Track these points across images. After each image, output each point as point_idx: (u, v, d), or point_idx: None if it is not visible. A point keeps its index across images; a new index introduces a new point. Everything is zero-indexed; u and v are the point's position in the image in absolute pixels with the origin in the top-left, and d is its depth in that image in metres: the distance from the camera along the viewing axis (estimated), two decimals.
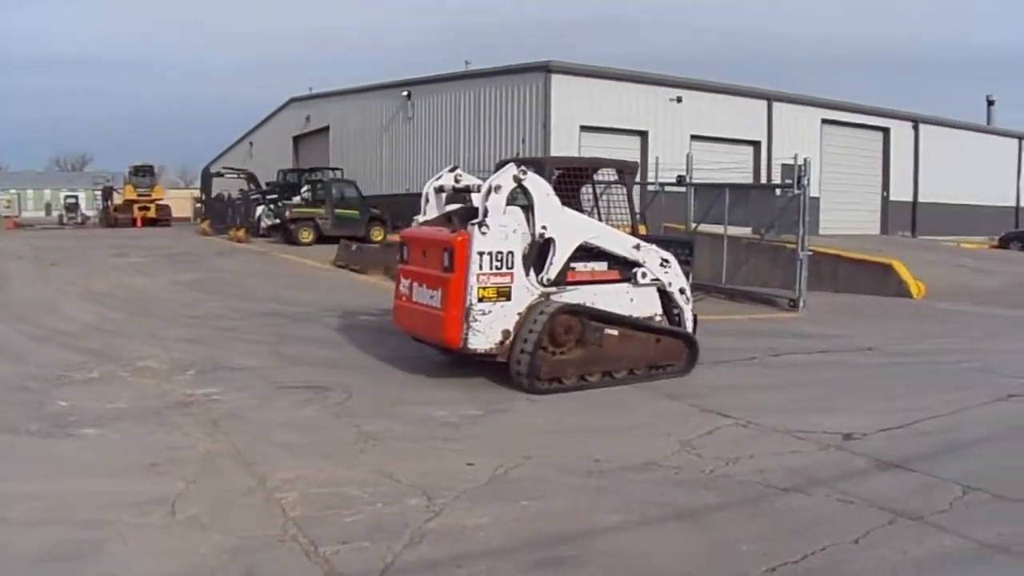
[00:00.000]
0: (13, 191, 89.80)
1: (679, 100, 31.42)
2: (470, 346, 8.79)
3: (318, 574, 4.67)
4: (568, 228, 9.19)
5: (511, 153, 30.62)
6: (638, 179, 27.62)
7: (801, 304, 17.00)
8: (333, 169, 40.49)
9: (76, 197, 67.19)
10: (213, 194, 45.94)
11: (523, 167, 8.97)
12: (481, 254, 8.69)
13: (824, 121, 35.60)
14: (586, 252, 9.41)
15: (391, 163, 40.64)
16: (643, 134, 31.04)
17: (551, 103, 29.48)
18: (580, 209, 9.85)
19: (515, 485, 6.14)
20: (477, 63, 36.10)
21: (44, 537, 5.08)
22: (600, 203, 10.50)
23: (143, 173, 55.33)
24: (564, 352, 8.99)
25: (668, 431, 7.65)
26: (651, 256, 9.86)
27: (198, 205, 53.57)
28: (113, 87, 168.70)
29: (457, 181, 10.10)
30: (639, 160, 30.23)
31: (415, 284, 9.54)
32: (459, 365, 9.71)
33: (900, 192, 39.04)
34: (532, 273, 9.02)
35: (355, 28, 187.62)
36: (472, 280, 8.69)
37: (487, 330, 8.76)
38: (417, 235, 9.97)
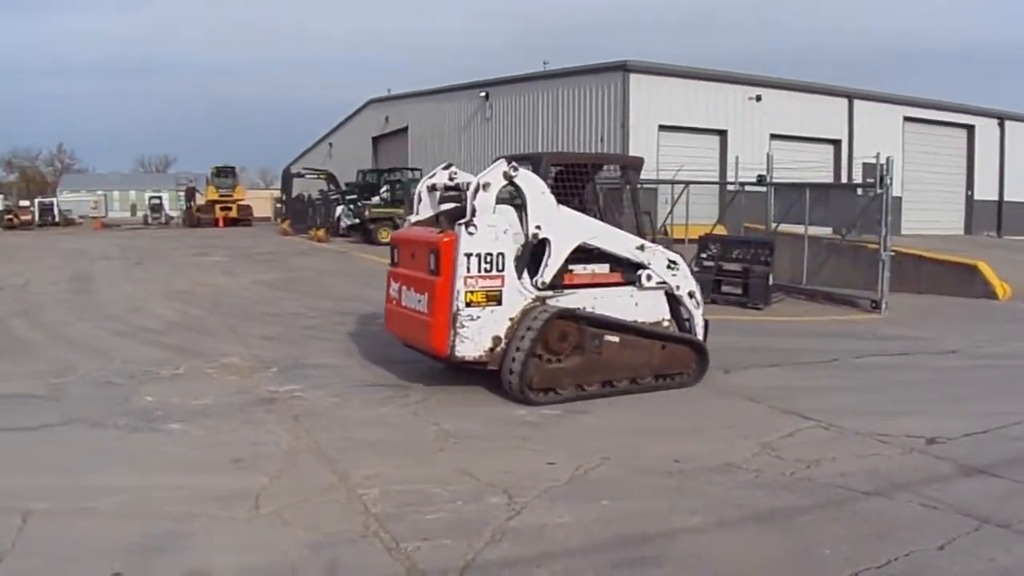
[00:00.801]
0: (100, 192, 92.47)
1: (758, 99, 31.03)
2: (457, 353, 8.35)
3: (399, 570, 4.74)
4: (565, 228, 8.70)
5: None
6: (719, 178, 27.55)
7: (883, 306, 16.62)
8: (412, 169, 40.82)
9: (160, 198, 69.03)
10: (293, 194, 46.79)
11: (514, 163, 8.53)
12: (469, 256, 8.26)
13: (906, 119, 34.71)
14: (586, 254, 8.96)
15: (469, 163, 40.58)
16: (722, 133, 30.78)
17: (629, 103, 29.36)
18: (582, 208, 9.20)
19: (595, 485, 6.15)
20: (555, 63, 36.15)
21: (131, 529, 5.25)
22: (608, 202, 9.88)
23: (225, 174, 56.69)
24: (560, 360, 8.54)
25: (747, 433, 7.58)
26: (657, 257, 9.36)
27: (278, 205, 54.53)
28: (195, 90, 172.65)
29: (451, 179, 9.47)
30: (718, 159, 30.06)
31: (404, 288, 9.17)
32: None
33: (985, 191, 37.75)
34: (526, 276, 8.58)
35: (433, 30, 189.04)
36: (459, 284, 8.25)
37: (476, 336, 8.33)
38: (406, 236, 9.62)
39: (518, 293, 8.51)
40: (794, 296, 18.34)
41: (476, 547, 5.01)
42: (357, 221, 35.57)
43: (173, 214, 66.14)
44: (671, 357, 9.24)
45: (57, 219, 63.14)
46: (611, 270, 9.19)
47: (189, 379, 9.41)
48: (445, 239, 8.40)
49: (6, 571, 4.67)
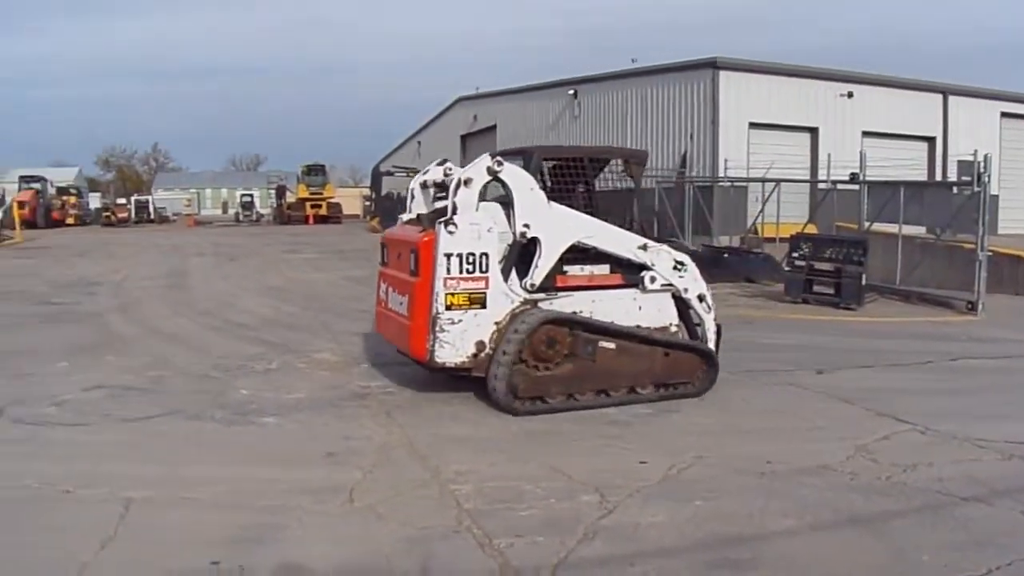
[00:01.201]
0: (193, 190, 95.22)
1: (850, 95, 30.44)
2: (437, 359, 7.93)
3: (492, 566, 4.76)
4: (556, 227, 8.21)
5: (679, 151, 30.48)
6: (810, 176, 27.07)
7: (979, 307, 16.08)
8: None
9: (251, 196, 70.63)
10: (383, 192, 47.36)
11: (499, 158, 8.10)
12: (449, 256, 7.82)
13: (1004, 115, 33.70)
14: (583, 254, 8.49)
15: None
16: (813, 131, 30.33)
17: (719, 100, 29.15)
18: (582, 205, 8.76)
19: (688, 485, 6.10)
20: (644, 60, 35.93)
21: (228, 519, 5.38)
22: (612, 199, 9.38)
23: (315, 172, 57.75)
24: (550, 368, 8.05)
25: (842, 435, 7.43)
26: (662, 258, 8.73)
27: (367, 203, 55.22)
28: (286, 90, 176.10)
29: (446, 175, 8.92)
30: (809, 157, 29.55)
31: (390, 289, 8.87)
32: None
33: None
34: (515, 278, 8.14)
35: (522, 28, 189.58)
36: (439, 285, 7.83)
37: (457, 341, 7.90)
38: (393, 236, 9.31)
39: (504, 296, 8.04)
40: (887, 297, 17.91)
41: (569, 545, 5.00)
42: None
43: (264, 212, 67.72)
44: (675, 365, 8.63)
45: (152, 216, 65.31)
46: (612, 271, 8.65)
47: (282, 374, 9.61)
48: (424, 238, 8.03)
49: (109, 557, 4.82)
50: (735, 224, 25.19)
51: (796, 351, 11.59)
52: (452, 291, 7.83)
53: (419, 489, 5.95)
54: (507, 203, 8.18)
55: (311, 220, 54.08)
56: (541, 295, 8.19)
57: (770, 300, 17.26)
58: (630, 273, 8.65)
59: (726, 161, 27.75)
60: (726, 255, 21.68)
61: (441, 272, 7.80)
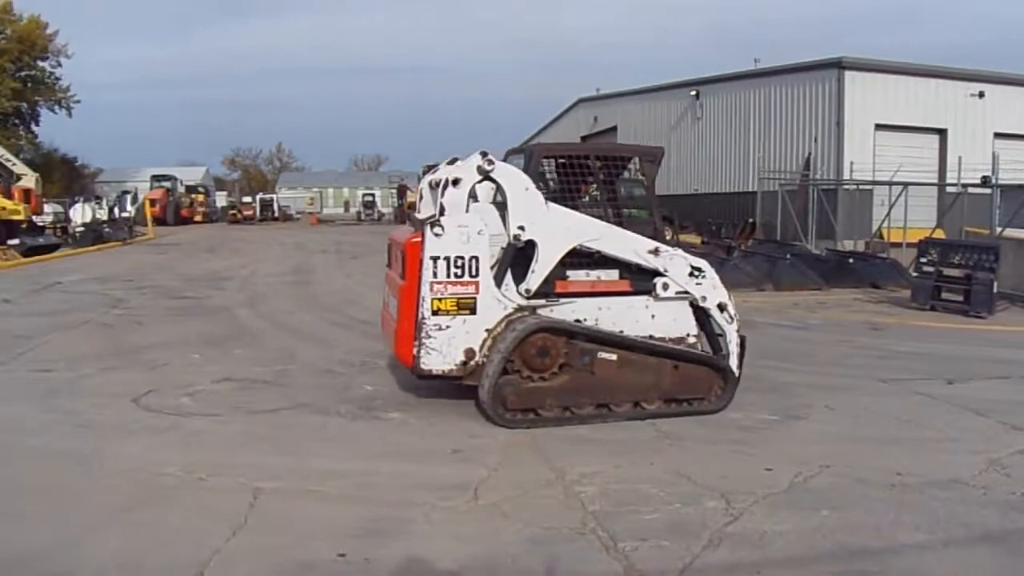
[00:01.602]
0: (316, 189, 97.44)
1: (981, 95, 29.48)
2: (422, 366, 7.59)
3: (618, 570, 4.76)
4: (555, 229, 7.73)
5: (802, 154, 29.89)
6: (939, 180, 26.20)
7: None
8: None
9: (373, 195, 71.96)
10: None
11: (490, 156, 7.70)
12: (436, 259, 7.47)
13: None
14: (587, 258, 7.98)
15: (679, 163, 40.71)
16: (941, 132, 29.60)
17: (844, 101, 28.72)
18: (598, 206, 8.32)
19: (814, 494, 5.98)
20: (766, 61, 35.49)
21: (355, 512, 5.53)
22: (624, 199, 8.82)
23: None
24: (544, 378, 7.65)
25: (974, 448, 7.17)
26: (676, 263, 8.09)
27: None
28: (408, 90, 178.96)
29: None
30: (937, 160, 28.62)
31: (388, 291, 8.69)
32: (756, 367, 9.47)
33: None
34: (511, 283, 7.72)
35: (643, 27, 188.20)
36: (425, 289, 7.50)
37: (445, 348, 7.56)
38: (393, 237, 8.99)
39: (496, 302, 7.64)
40: (1019, 305, 17.13)
41: (694, 550, 4.97)
42: None
43: (385, 211, 68.85)
44: (686, 380, 8.05)
45: (276, 214, 67.19)
46: (621, 277, 8.12)
47: (405, 370, 9.70)
48: (412, 240, 7.72)
49: (239, 544, 5.01)
50: (860, 228, 24.65)
51: (925, 360, 11.20)
52: (439, 296, 7.50)
53: (543, 489, 5.99)
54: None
55: None
56: (540, 301, 7.76)
57: (896, 307, 16.72)
58: (642, 279, 8.08)
59: (851, 163, 27.16)
60: (851, 260, 21.24)
61: (427, 276, 7.49)
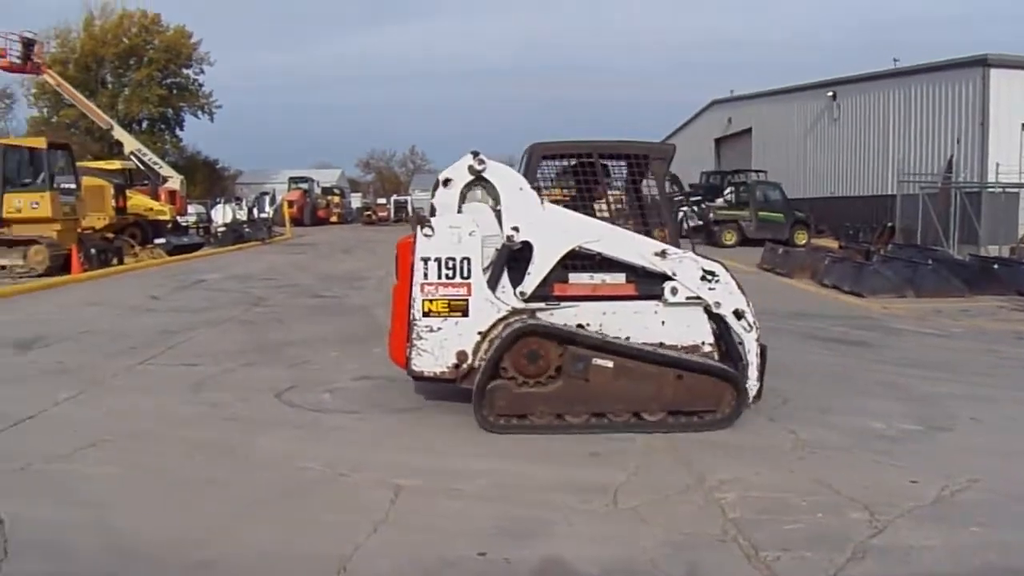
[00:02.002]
0: None
1: None
2: (414, 367, 7.57)
3: None
4: (551, 229, 7.54)
5: (944, 155, 28.90)
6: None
7: None
8: (756, 171, 40.45)
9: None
10: None
11: (481, 156, 7.56)
12: (426, 260, 7.43)
13: None
14: (589, 260, 7.72)
15: (816, 165, 39.99)
16: None
17: (989, 100, 27.72)
18: (593, 208, 7.99)
19: (963, 509, 5.75)
20: (905, 60, 34.34)
21: (493, 512, 5.58)
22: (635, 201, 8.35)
23: (566, 174, 58.43)
24: (540, 383, 7.43)
25: None
26: (686, 266, 7.64)
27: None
28: (538, 92, 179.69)
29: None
30: None
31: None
32: (897, 375, 9.19)
33: None
34: (508, 284, 7.57)
35: (777, 27, 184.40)
36: (416, 291, 7.47)
37: (436, 350, 7.49)
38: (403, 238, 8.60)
39: (489, 304, 7.51)
40: None
41: (838, 562, 4.84)
42: (701, 223, 35.75)
43: None
44: (691, 391, 7.51)
45: (410, 216, 68.28)
46: (627, 280, 7.78)
47: None
48: (404, 241, 7.76)
49: (381, 540, 5.11)
50: (1005, 233, 23.78)
51: None
52: (430, 297, 7.46)
53: (683, 495, 5.94)
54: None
55: None
56: (540, 305, 7.58)
57: None
58: (650, 283, 7.70)
59: (996, 165, 26.15)
60: (996, 266, 20.35)
61: (418, 277, 7.47)
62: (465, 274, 7.45)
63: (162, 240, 29.65)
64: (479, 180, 7.60)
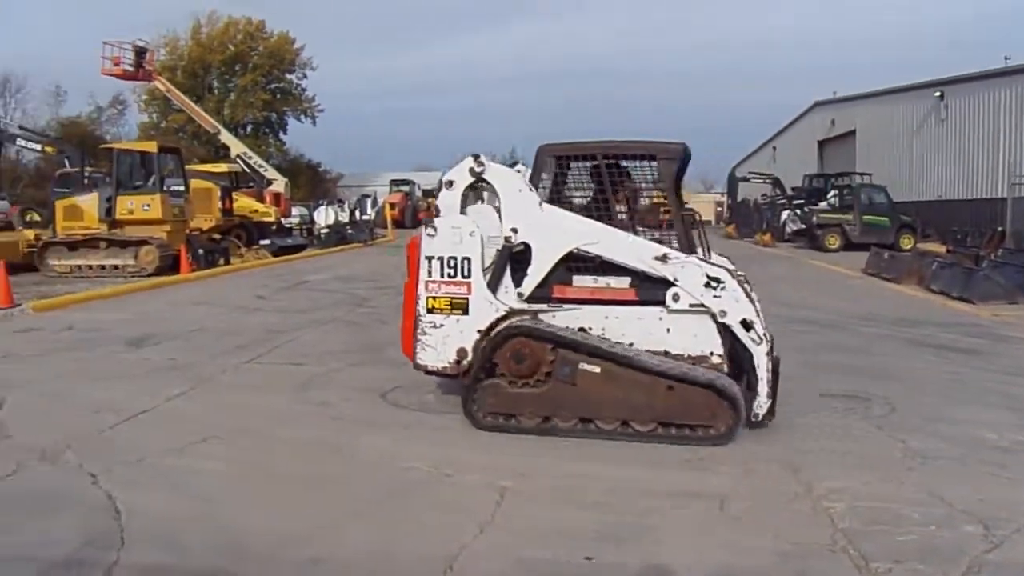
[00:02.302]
0: None
1: None
2: (419, 361, 7.78)
3: None
4: (550, 231, 7.53)
5: None
6: None
7: None
8: (861, 174, 39.70)
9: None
10: (739, 198, 47.18)
11: (482, 157, 7.66)
12: (430, 259, 7.64)
13: None
14: (589, 263, 7.59)
15: (922, 168, 38.99)
16: None
17: None
18: (607, 209, 7.74)
19: None
20: (1017, 58, 33.12)
21: (597, 516, 5.55)
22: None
23: None
24: (528, 385, 7.41)
25: None
26: (689, 272, 7.29)
27: (719, 209, 54.92)
28: (638, 96, 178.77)
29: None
30: None
31: None
32: (1004, 382, 8.85)
33: None
34: (509, 284, 7.63)
35: (881, 26, 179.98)
36: (421, 287, 7.71)
37: (439, 346, 7.68)
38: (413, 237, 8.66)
39: (488, 303, 7.60)
40: None
41: None
42: (804, 227, 35.31)
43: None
44: (682, 403, 7.15)
45: None
46: (631, 285, 7.57)
47: None
48: (414, 240, 7.92)
49: (487, 541, 5.13)
50: None
51: None
52: (433, 294, 7.66)
53: (790, 502, 5.82)
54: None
55: (664, 226, 54.65)
56: (542, 306, 7.60)
57: None
58: (654, 289, 7.43)
59: None
60: None
61: (423, 274, 7.68)
62: (466, 273, 7.61)
63: (267, 241, 30.36)
64: (481, 181, 7.71)
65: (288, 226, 36.01)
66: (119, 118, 69.81)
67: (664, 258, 7.35)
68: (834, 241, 32.83)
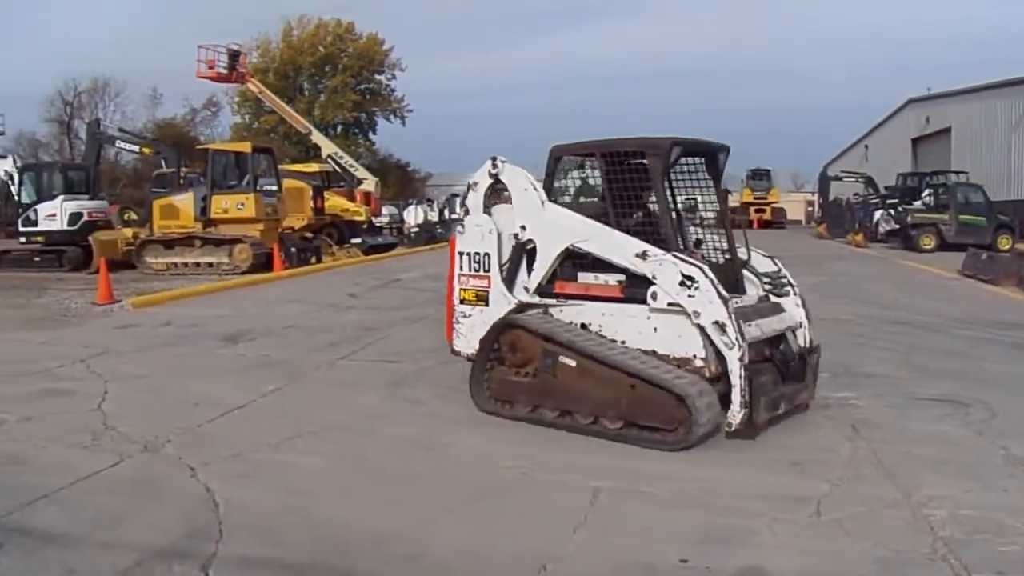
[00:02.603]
0: None
1: None
2: (455, 347, 8.60)
3: None
4: (550, 228, 7.89)
5: None
6: None
7: None
8: (957, 172, 38.65)
9: (694, 199, 71.31)
10: (830, 198, 46.45)
11: (500, 159, 8.26)
12: (461, 255, 8.46)
13: None
14: (583, 259, 7.84)
15: (1021, 166, 37.59)
16: None
17: None
18: (619, 205, 7.79)
19: None
20: None
21: (692, 518, 5.49)
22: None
23: (760, 176, 58.02)
24: (524, 374, 7.72)
25: None
26: (665, 270, 7.08)
27: (809, 208, 54.11)
28: (730, 93, 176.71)
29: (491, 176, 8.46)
30: None
31: None
32: None
33: None
34: (523, 278, 8.16)
35: (980, 19, 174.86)
36: (455, 280, 8.55)
37: (469, 334, 8.38)
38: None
39: (502, 296, 8.17)
40: None
41: None
42: (897, 227, 34.52)
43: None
44: (643, 404, 6.96)
45: None
46: (619, 282, 7.59)
47: None
48: (453, 237, 8.72)
49: (581, 541, 5.11)
50: None
51: None
52: (464, 287, 8.46)
53: (889, 509, 5.67)
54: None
55: (756, 224, 54.16)
56: (551, 301, 7.91)
57: None
58: (638, 286, 7.35)
59: None
60: None
61: (456, 268, 8.50)
62: (486, 268, 8.30)
63: (358, 240, 30.79)
64: (498, 182, 8.30)
65: (378, 225, 36.44)
66: (213, 119, 71.52)
67: (644, 255, 7.31)
68: (929, 241, 32.02)
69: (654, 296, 7.18)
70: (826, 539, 5.19)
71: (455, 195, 55.40)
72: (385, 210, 41.14)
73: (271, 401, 8.61)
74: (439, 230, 38.83)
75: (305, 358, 10.75)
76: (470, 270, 8.41)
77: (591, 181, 8.63)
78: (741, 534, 5.23)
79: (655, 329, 7.27)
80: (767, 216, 55.61)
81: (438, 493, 5.97)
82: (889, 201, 38.88)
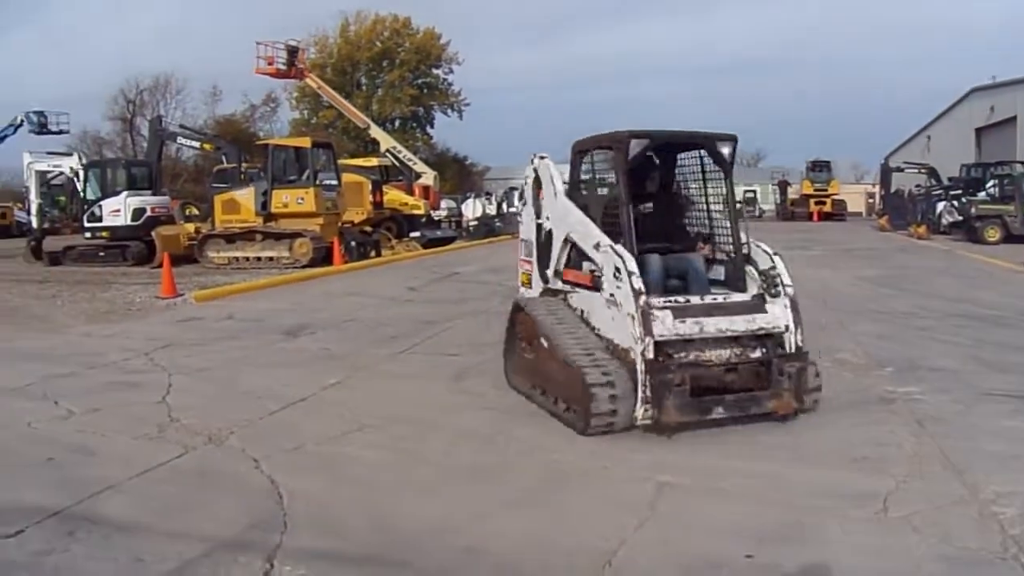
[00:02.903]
0: None
1: None
2: None
3: None
4: (559, 219, 8.52)
5: None
6: None
7: None
8: (1022, 163, 37.75)
9: (754, 191, 70.47)
10: (892, 189, 45.80)
11: (541, 154, 9.01)
12: (520, 241, 9.39)
13: None
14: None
15: None
16: None
17: None
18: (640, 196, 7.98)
19: None
20: None
21: (757, 514, 5.42)
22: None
23: (820, 168, 57.31)
24: (528, 354, 8.25)
25: None
26: (608, 261, 7.26)
27: (870, 200, 53.37)
28: (788, 85, 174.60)
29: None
30: None
31: None
32: None
33: None
34: (554, 265, 8.68)
35: None
36: (519, 265, 9.46)
37: None
38: None
39: (538, 280, 8.90)
40: None
41: None
42: (961, 218, 33.88)
43: (765, 207, 67.55)
44: (572, 387, 7.06)
45: None
46: (591, 272, 7.79)
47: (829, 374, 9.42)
48: None
49: (645, 535, 5.07)
50: None
51: None
52: (522, 270, 9.39)
53: (956, 506, 5.55)
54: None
55: (816, 217, 53.59)
56: (567, 288, 8.31)
57: None
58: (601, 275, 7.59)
59: None
60: None
61: (518, 254, 9.48)
62: (529, 254, 9.14)
63: (417, 233, 30.94)
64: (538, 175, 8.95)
65: (437, 219, 36.52)
66: (271, 115, 72.45)
67: (597, 246, 7.55)
68: (994, 233, 31.31)
69: (602, 286, 7.47)
70: (893, 537, 5.09)
71: (513, 188, 55.48)
72: (444, 204, 41.22)
73: (332, 394, 8.67)
74: (497, 224, 38.87)
75: (366, 351, 10.82)
76: (525, 255, 9.27)
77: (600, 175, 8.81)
78: (806, 531, 5.16)
79: (612, 318, 7.33)
80: (827, 208, 54.90)
81: (499, 486, 5.98)
82: (952, 192, 38.21)
